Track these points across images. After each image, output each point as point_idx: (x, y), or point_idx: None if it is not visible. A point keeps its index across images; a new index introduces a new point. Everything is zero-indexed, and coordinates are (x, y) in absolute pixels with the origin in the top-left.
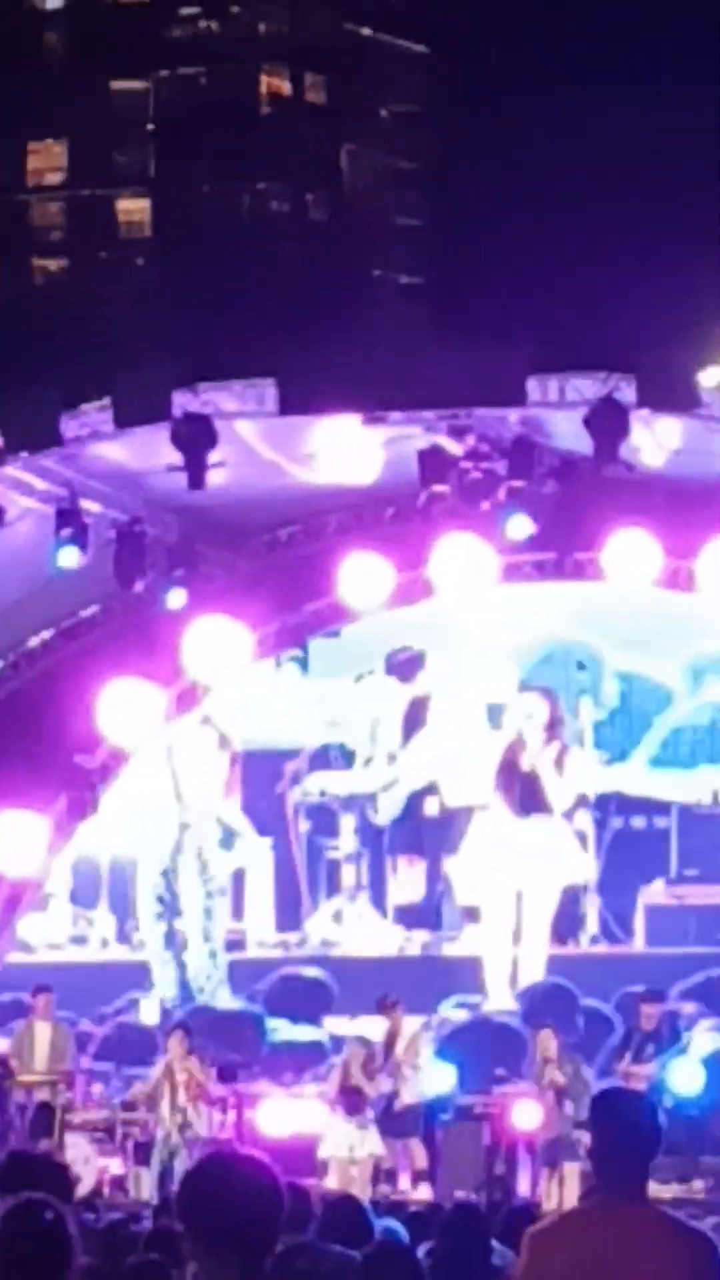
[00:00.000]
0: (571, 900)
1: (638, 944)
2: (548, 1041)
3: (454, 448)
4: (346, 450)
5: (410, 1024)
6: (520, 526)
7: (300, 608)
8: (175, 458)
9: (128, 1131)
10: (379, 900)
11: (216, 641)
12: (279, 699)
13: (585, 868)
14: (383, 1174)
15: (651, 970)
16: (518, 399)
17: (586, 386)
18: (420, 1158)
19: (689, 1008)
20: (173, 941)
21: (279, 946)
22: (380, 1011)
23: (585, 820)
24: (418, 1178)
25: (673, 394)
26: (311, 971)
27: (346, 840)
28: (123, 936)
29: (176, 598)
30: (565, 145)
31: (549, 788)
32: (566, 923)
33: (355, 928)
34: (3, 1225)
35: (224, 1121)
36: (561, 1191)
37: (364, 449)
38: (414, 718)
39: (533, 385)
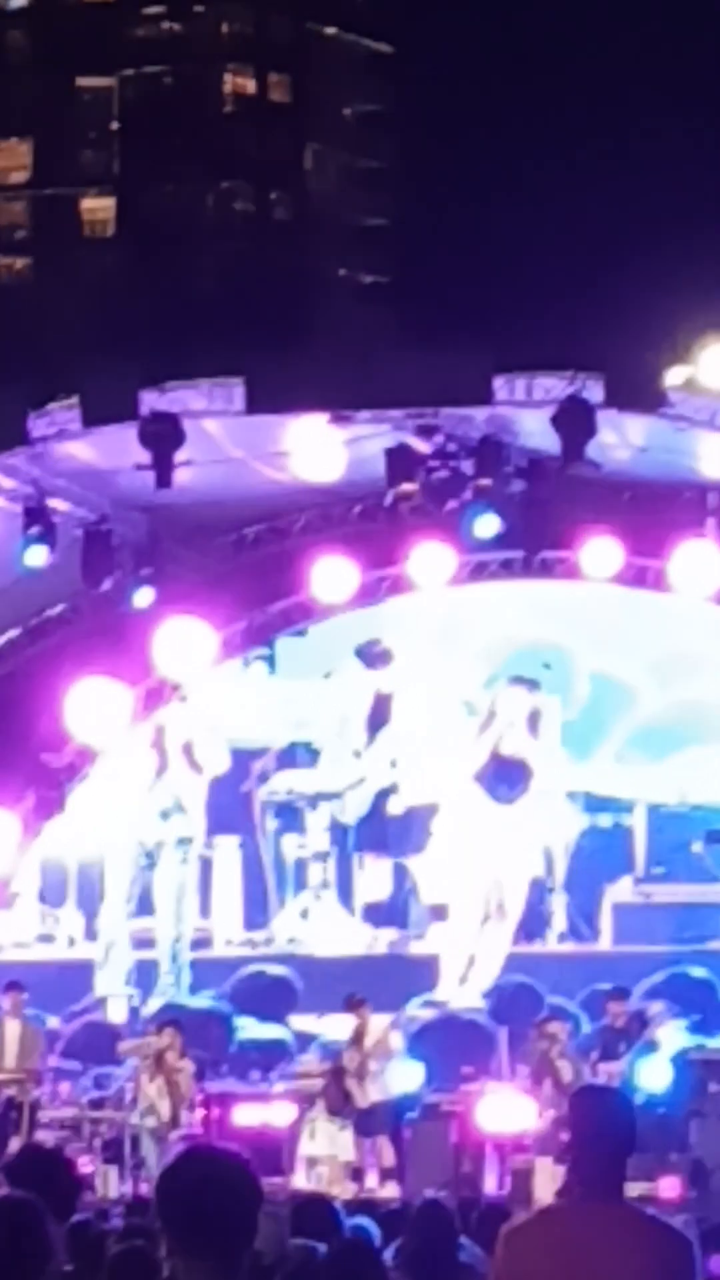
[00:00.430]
0: (538, 898)
1: (604, 942)
2: (559, 1033)
3: (421, 447)
4: (313, 449)
5: (378, 1022)
6: (488, 525)
7: (267, 607)
8: (143, 456)
9: (95, 1130)
10: (346, 898)
11: (184, 641)
12: (246, 698)
13: (540, 864)
14: (349, 1171)
15: (618, 968)
16: (484, 398)
17: (553, 385)
18: (388, 1156)
19: (657, 1006)
20: (137, 939)
21: (245, 944)
22: (348, 1009)
23: (558, 817)
24: (385, 1175)
25: (639, 393)
26: (277, 969)
27: (313, 838)
28: (90, 935)
29: (144, 596)
30: (530, 144)
31: (535, 776)
32: (533, 920)
33: (322, 926)
34: None
35: (193, 1120)
36: None
37: (331, 448)
38: (379, 715)
39: (499, 384)
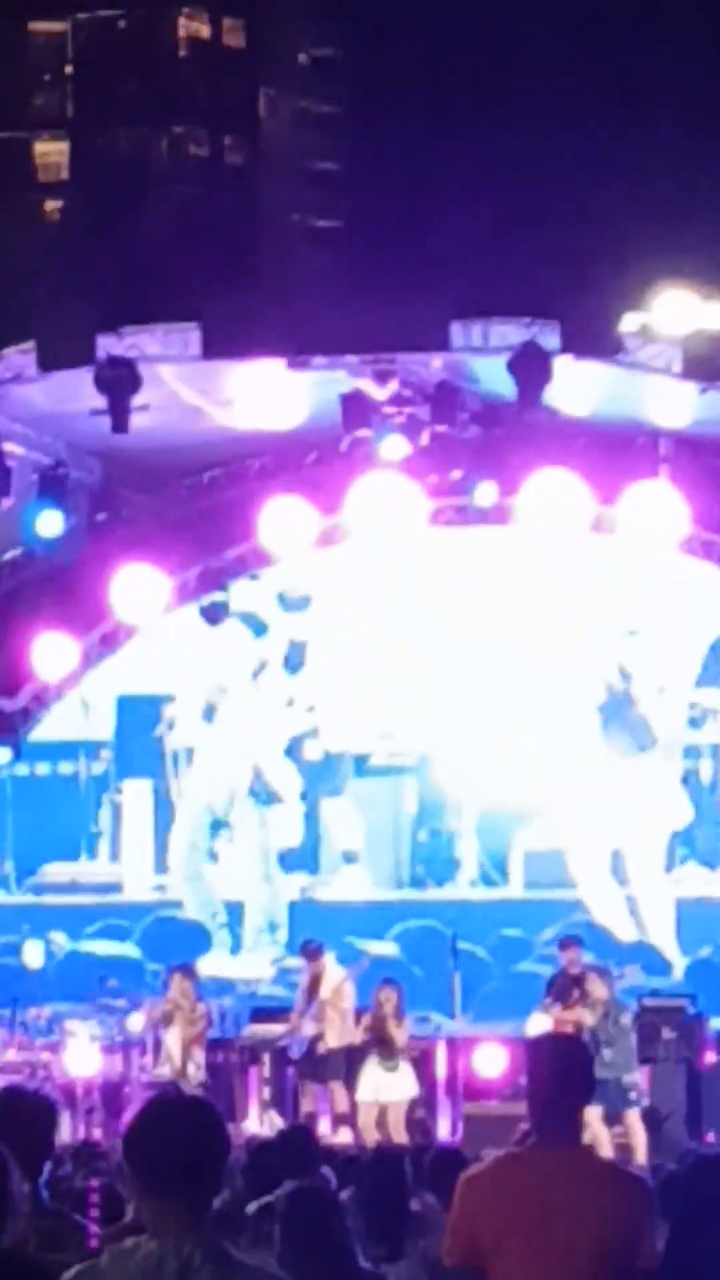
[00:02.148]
0: (448, 844)
1: (514, 888)
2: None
3: (377, 392)
4: (269, 394)
5: (334, 968)
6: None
7: (222, 552)
8: (99, 401)
9: (48, 1074)
10: (259, 843)
11: (139, 586)
12: (156, 644)
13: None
14: (301, 1119)
15: (527, 914)
16: (440, 343)
17: (509, 332)
18: (342, 1102)
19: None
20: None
21: (156, 889)
22: (304, 956)
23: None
24: (339, 1122)
25: (595, 339)
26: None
27: None
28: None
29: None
30: (485, 89)
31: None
32: (443, 866)
33: (232, 870)
34: None
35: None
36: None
37: (286, 393)
38: (294, 662)
39: (456, 330)
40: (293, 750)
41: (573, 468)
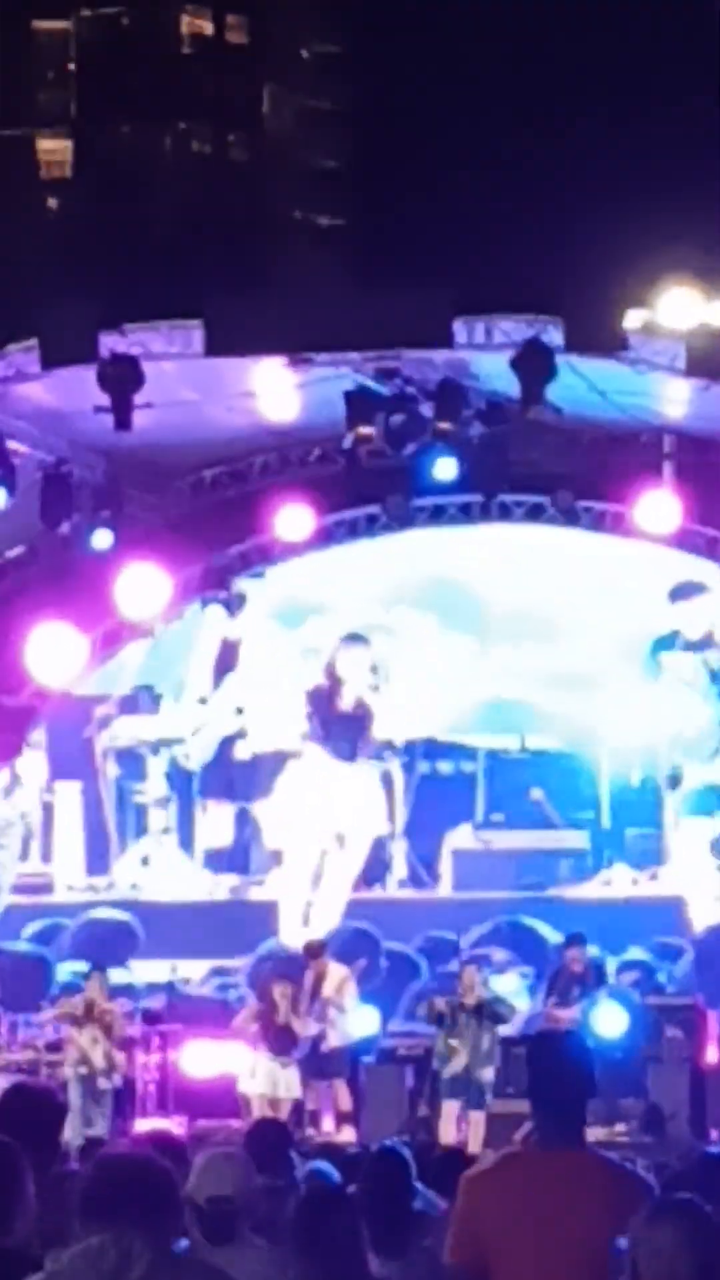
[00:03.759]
0: (378, 845)
1: (444, 889)
2: (473, 978)
3: (380, 390)
4: (272, 392)
5: (336, 968)
6: (446, 468)
7: (225, 549)
8: (102, 399)
9: (49, 1072)
10: (187, 844)
11: (143, 584)
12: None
13: (386, 819)
14: (307, 1116)
15: (457, 915)
16: (443, 341)
17: (512, 328)
18: (344, 1100)
19: (500, 954)
20: None
21: (87, 890)
22: (307, 955)
23: (393, 766)
24: (342, 1120)
25: (598, 336)
26: (117, 915)
27: (155, 784)
28: None
29: (102, 539)
30: (490, 86)
31: (371, 732)
32: (373, 867)
33: (163, 872)
34: None
35: (147, 1063)
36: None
37: (289, 391)
38: (225, 661)
39: (459, 327)
40: (221, 750)
41: (576, 465)
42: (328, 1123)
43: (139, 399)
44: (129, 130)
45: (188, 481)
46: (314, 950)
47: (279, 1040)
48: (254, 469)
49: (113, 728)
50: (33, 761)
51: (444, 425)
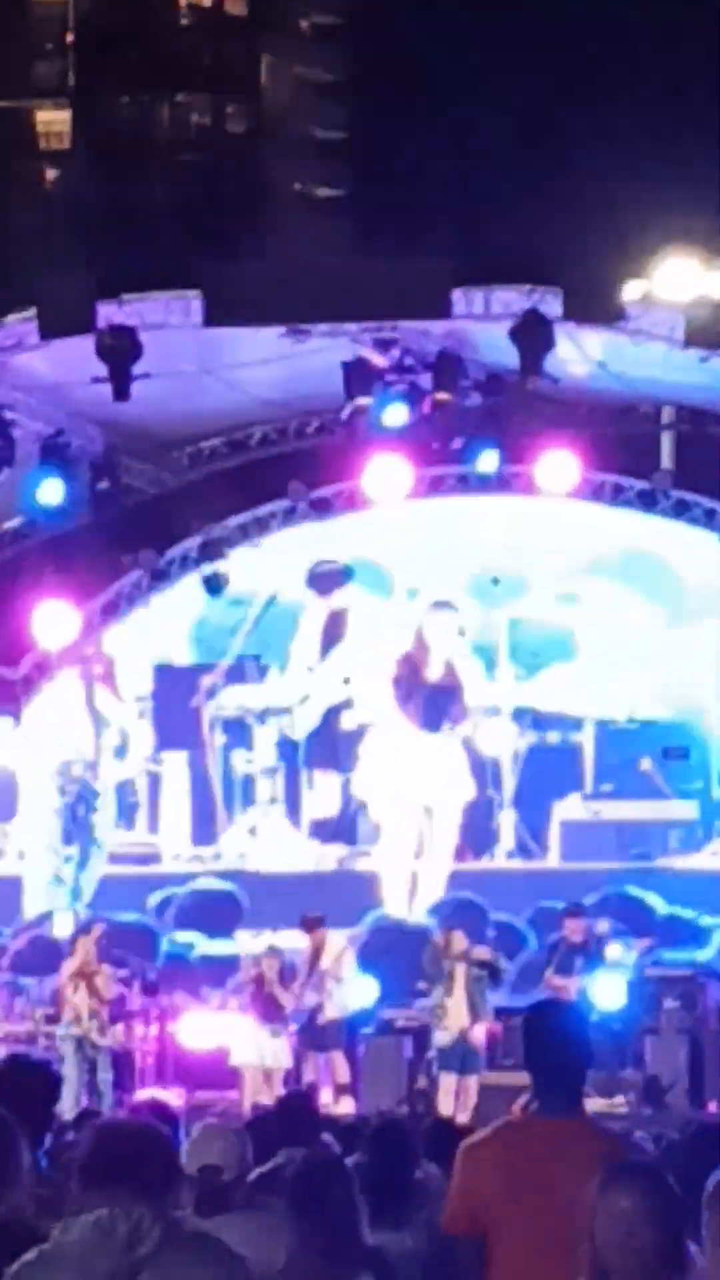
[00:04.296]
0: (484, 815)
1: (552, 859)
2: (460, 942)
3: (379, 360)
4: (270, 363)
5: (335, 939)
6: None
7: (223, 520)
8: (100, 369)
9: (51, 1043)
10: (294, 814)
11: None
12: (193, 612)
13: (473, 787)
14: (303, 1088)
15: (565, 886)
16: (442, 311)
17: (511, 299)
18: (342, 1072)
19: (603, 925)
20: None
21: (193, 860)
22: (304, 928)
23: (501, 735)
24: (340, 1092)
25: (597, 307)
26: (223, 885)
27: (262, 754)
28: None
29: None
30: (489, 57)
31: (465, 699)
32: (480, 837)
33: (270, 842)
34: None
35: (146, 1034)
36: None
37: (287, 361)
38: (332, 631)
39: (457, 298)
40: (327, 720)
41: (574, 436)
42: (326, 1094)
43: (137, 370)
44: (127, 101)
45: (186, 452)
46: (311, 923)
47: (267, 1011)
48: (252, 440)
49: (220, 697)
50: (140, 730)
51: (442, 396)
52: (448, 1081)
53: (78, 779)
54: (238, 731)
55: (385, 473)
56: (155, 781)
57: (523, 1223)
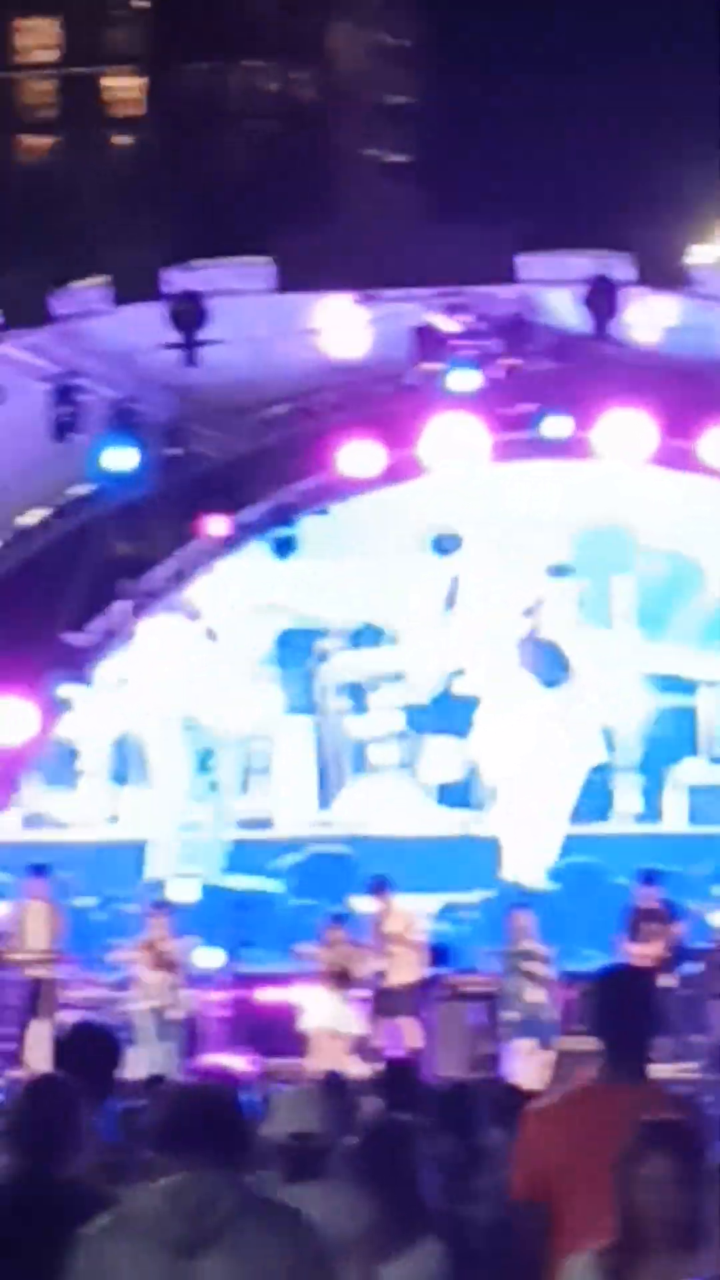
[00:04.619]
0: (606, 779)
1: (674, 823)
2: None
3: (449, 325)
4: (341, 328)
5: (403, 905)
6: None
7: (293, 485)
8: (170, 336)
9: (120, 1010)
10: (414, 779)
11: (210, 519)
12: (312, 579)
13: (597, 750)
14: (356, 1047)
15: (687, 850)
16: (511, 276)
17: (580, 264)
18: (411, 1037)
19: None
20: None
21: (313, 825)
22: (371, 893)
23: (621, 698)
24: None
25: (667, 271)
26: (339, 849)
27: (381, 719)
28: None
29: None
30: (558, 21)
31: (574, 665)
32: (600, 800)
33: (389, 806)
34: (24, 1101)
35: (218, 1000)
36: None
37: (358, 326)
38: (450, 597)
39: (526, 262)
40: (446, 685)
41: (646, 400)
42: None
43: (207, 336)
44: (199, 68)
45: (256, 418)
46: (378, 887)
47: (336, 977)
48: (322, 405)
49: (339, 662)
50: (259, 695)
51: (512, 361)
52: (519, 1046)
53: (197, 744)
54: (356, 696)
55: (458, 436)
56: (273, 747)
57: (587, 1188)
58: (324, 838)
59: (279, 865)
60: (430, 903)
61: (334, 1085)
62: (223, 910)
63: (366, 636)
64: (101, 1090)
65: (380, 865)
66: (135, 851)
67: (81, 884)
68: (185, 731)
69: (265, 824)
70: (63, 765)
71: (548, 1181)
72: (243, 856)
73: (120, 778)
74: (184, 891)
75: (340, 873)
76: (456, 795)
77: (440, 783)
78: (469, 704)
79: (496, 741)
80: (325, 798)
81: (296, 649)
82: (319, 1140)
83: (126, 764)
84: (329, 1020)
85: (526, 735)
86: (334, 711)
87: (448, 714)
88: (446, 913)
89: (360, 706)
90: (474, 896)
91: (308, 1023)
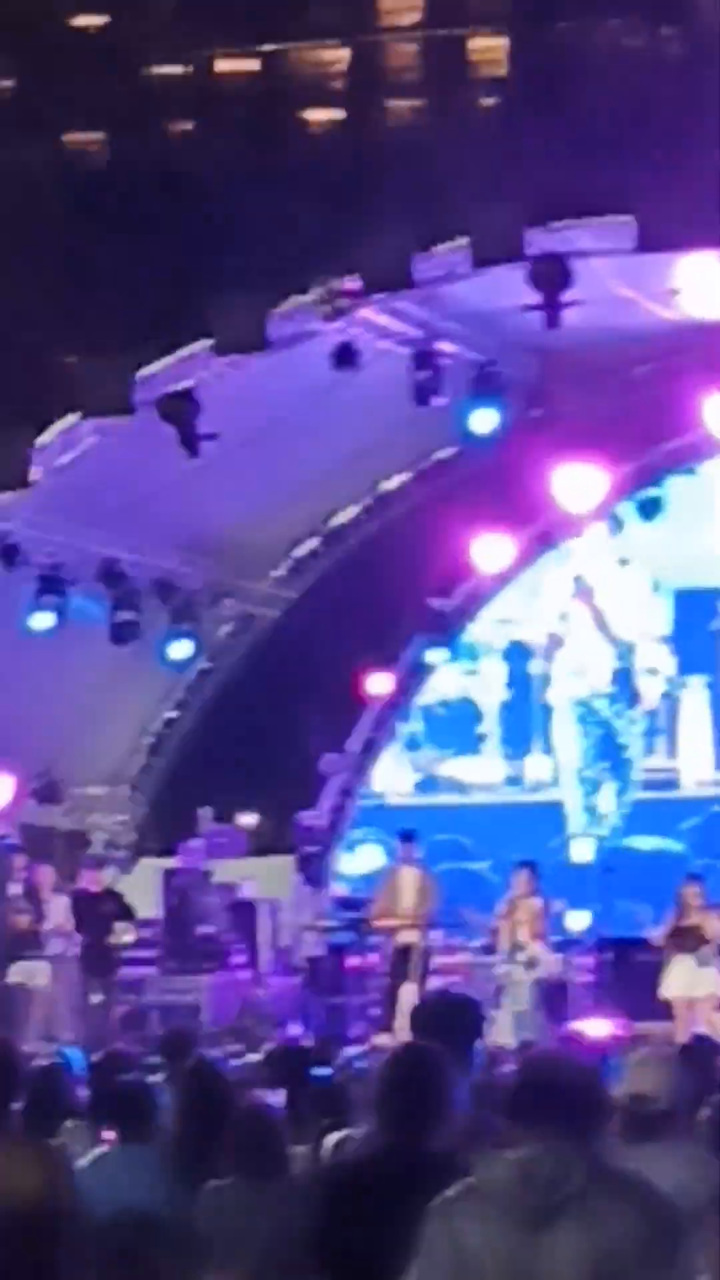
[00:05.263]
0: None
1: None
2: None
3: None
4: (704, 286)
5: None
6: None
7: (659, 446)
8: (531, 297)
9: (488, 975)
10: None
11: (577, 482)
12: (710, 537)
13: None
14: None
15: None
16: None
17: None
18: None
19: None
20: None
21: (715, 785)
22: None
23: None
24: None
25: None
26: None
27: None
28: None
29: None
30: None
31: None
32: None
33: None
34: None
35: (584, 964)
36: None
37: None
38: None
39: None
40: None
41: None
42: None
43: (568, 296)
44: (564, 27)
45: (620, 379)
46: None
47: (688, 940)
48: (685, 365)
49: None
50: (659, 654)
51: None
52: None
53: (599, 708)
54: None
55: None
56: (675, 706)
57: None
58: None
59: (681, 826)
60: None
61: (697, 1050)
62: (618, 871)
63: None
64: (461, 1059)
65: None
66: (537, 813)
67: (481, 848)
68: (588, 696)
69: (671, 784)
70: (463, 729)
71: None
72: (648, 817)
73: (521, 741)
74: (582, 852)
75: None
76: None
77: None
78: None
79: None
80: None
81: (697, 608)
82: (657, 1103)
83: (529, 727)
84: (683, 988)
85: None
86: None
87: None
88: None
89: None
90: None
91: (665, 990)
